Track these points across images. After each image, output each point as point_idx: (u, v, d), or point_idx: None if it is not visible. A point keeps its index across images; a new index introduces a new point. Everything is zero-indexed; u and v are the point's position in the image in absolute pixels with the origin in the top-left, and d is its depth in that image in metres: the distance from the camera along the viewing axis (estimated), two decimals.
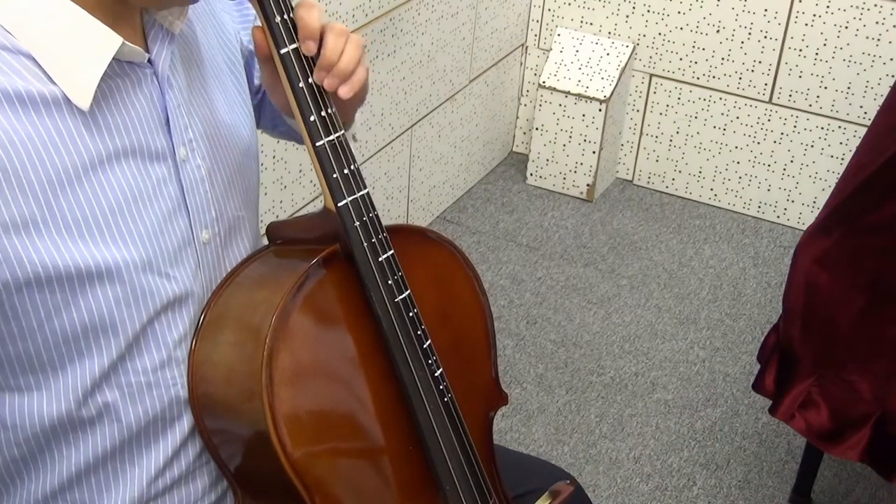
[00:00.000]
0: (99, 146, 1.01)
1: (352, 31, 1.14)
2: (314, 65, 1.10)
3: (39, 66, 0.98)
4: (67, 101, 0.99)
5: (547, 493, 1.31)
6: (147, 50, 1.07)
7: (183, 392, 1.12)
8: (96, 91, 1.00)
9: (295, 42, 1.08)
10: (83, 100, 0.99)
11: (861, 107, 3.09)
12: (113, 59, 1.01)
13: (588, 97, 3.22)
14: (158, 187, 1.07)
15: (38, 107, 0.97)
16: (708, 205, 3.39)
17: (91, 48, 1.00)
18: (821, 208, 2.02)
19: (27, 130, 0.96)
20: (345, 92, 1.11)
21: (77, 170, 0.99)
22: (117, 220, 1.03)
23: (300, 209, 2.52)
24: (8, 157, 0.95)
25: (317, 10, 1.09)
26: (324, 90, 1.10)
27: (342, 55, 1.10)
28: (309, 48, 1.08)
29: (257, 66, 1.34)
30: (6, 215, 0.95)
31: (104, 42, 1.00)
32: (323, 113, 1.10)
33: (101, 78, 1.00)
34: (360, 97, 1.21)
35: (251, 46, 1.31)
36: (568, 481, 1.40)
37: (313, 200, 2.54)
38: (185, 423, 1.13)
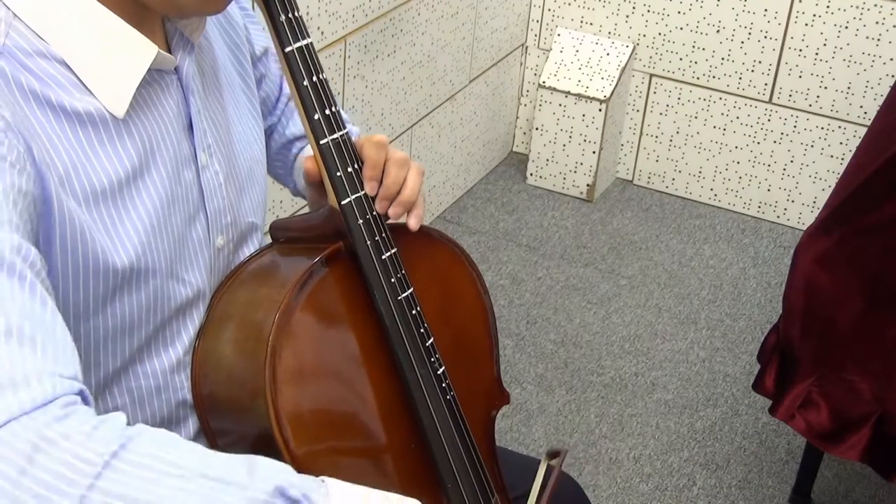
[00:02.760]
0: (139, 153, 1.02)
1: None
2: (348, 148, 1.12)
3: (73, 73, 0.98)
4: (104, 110, 0.99)
5: (545, 454, 1.30)
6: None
7: (189, 395, 1.12)
8: (132, 99, 1.01)
9: (358, 190, 1.12)
10: (119, 108, 1.00)
11: (861, 107, 3.09)
12: None
13: (588, 97, 3.23)
14: (185, 192, 1.08)
15: (83, 119, 0.98)
16: (708, 205, 3.39)
17: (128, 57, 1.00)
18: (821, 208, 2.02)
19: (70, 141, 0.97)
20: (413, 223, 1.16)
21: (120, 179, 1.00)
22: (153, 226, 1.04)
23: (301, 208, 2.52)
24: (57, 162, 0.95)
25: (384, 151, 1.13)
26: (328, 90, 1.11)
27: (404, 185, 1.14)
28: (372, 188, 1.13)
29: (269, 75, 1.34)
30: (67, 208, 0.95)
31: (141, 51, 1.01)
32: (327, 111, 1.10)
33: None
34: None
35: (259, 49, 1.31)
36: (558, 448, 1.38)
37: None
38: (192, 424, 1.13)
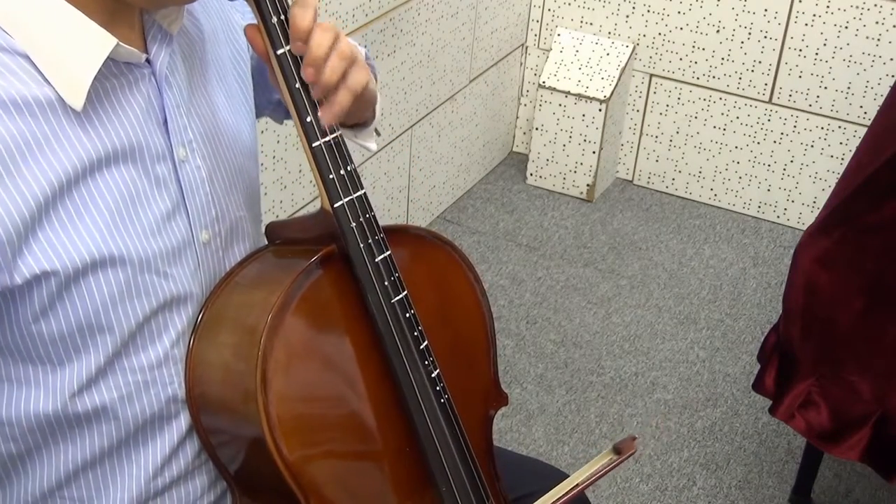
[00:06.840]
0: (98, 146, 1.01)
1: (352, 32, 1.13)
2: None
3: (35, 66, 0.98)
4: (63, 102, 0.99)
5: (611, 447, 1.28)
6: (146, 49, 1.07)
7: (180, 391, 1.12)
8: (91, 91, 1.00)
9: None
10: (76, 100, 0.99)
11: (861, 107, 3.08)
12: (109, 59, 1.01)
13: (588, 97, 3.22)
14: (156, 187, 1.07)
15: (34, 109, 0.97)
16: (708, 205, 3.39)
17: (85, 49, 1.00)
18: (821, 208, 2.02)
19: (24, 134, 0.96)
20: (327, 116, 1.08)
21: (77, 171, 1.00)
22: (115, 220, 1.03)
23: (300, 209, 2.52)
24: (10, 160, 0.95)
25: (311, 11, 1.06)
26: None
27: (326, 63, 1.07)
28: (298, 49, 1.06)
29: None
30: (6, 218, 0.95)
31: (98, 43, 1.00)
32: (319, 113, 1.10)
33: (97, 78, 1.00)
34: (367, 97, 1.21)
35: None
36: (634, 437, 1.35)
37: (313, 200, 2.54)
38: (183, 421, 1.13)
